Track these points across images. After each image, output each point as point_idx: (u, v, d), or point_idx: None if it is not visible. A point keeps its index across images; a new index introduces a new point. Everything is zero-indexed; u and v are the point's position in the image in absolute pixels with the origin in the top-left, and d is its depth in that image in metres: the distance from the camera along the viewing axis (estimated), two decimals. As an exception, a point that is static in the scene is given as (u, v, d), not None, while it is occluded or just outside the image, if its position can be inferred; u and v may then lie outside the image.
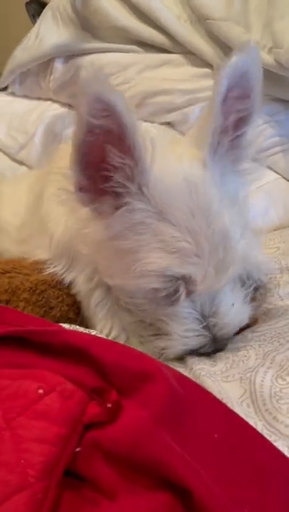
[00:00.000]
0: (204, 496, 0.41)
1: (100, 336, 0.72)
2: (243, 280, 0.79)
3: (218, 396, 0.58)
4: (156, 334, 0.72)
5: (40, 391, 0.53)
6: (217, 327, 0.70)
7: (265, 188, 1.22)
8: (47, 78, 1.73)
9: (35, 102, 1.84)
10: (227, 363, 0.66)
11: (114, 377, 0.54)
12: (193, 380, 0.63)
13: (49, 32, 1.67)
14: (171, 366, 0.69)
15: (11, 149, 1.78)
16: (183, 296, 0.67)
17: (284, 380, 0.59)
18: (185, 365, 0.69)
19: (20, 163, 1.73)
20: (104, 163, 0.63)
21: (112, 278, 0.71)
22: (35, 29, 1.75)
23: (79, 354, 0.57)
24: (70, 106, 1.73)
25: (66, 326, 0.75)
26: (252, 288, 0.80)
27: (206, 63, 1.27)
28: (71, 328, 0.74)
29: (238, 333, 0.73)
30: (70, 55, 1.61)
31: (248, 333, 0.72)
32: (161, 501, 0.45)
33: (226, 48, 1.20)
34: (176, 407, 0.50)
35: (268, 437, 0.54)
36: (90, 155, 0.63)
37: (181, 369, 0.68)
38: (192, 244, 0.64)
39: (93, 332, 0.72)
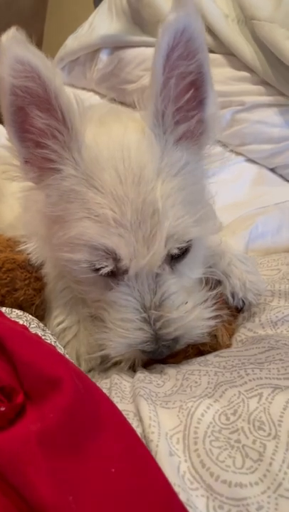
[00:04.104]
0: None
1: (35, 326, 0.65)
2: (210, 284, 0.71)
3: (147, 423, 0.49)
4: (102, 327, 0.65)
5: None
6: (160, 322, 0.61)
7: (282, 206, 1.11)
8: (92, 68, 1.71)
9: (78, 92, 1.81)
10: (175, 385, 0.57)
11: (25, 377, 0.47)
12: (131, 399, 0.56)
13: (102, 23, 1.65)
14: (120, 377, 0.62)
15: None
16: (107, 270, 0.60)
17: (228, 419, 0.49)
18: (132, 379, 0.61)
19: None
20: (33, 127, 0.60)
21: (53, 250, 0.65)
22: (90, 19, 1.73)
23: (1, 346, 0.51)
24: (111, 99, 1.69)
25: (19, 312, 0.69)
26: (218, 292, 0.71)
27: (245, 67, 1.19)
28: (22, 315, 0.68)
29: (200, 353, 0.65)
30: (116, 46, 1.57)
31: (211, 357, 0.62)
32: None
33: (267, 51, 1.11)
34: (75, 428, 0.42)
35: (188, 483, 0.45)
36: (19, 120, 0.60)
37: (127, 383, 0.60)
38: (117, 212, 0.58)
39: (33, 324, 0.65)
